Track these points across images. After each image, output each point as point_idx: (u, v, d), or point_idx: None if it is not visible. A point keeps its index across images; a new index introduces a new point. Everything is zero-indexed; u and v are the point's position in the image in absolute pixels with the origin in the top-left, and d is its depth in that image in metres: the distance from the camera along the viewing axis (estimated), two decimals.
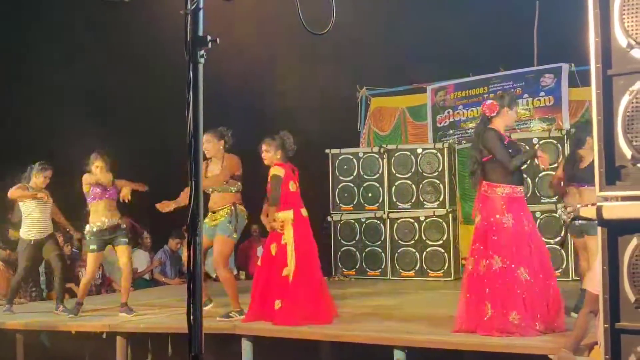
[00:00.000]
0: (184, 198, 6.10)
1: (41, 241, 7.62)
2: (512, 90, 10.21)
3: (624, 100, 2.68)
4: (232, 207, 6.55)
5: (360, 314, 6.82)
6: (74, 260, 9.52)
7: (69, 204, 8.11)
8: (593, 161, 2.79)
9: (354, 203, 10.62)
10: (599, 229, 2.72)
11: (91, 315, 7.41)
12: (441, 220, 10.00)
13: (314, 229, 6.62)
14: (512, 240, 5.31)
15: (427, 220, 10.07)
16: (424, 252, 10.05)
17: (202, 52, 2.37)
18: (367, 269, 10.45)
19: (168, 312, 7.32)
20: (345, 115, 11.95)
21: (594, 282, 3.65)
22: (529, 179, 8.85)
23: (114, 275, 9.63)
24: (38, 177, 7.62)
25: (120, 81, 9.94)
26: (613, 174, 2.70)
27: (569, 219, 6.33)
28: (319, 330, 6.01)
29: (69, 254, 9.32)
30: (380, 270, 10.35)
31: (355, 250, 10.56)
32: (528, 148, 9.12)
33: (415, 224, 10.12)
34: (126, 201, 7.21)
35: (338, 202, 10.73)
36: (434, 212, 10.04)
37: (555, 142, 9.30)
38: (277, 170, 6.28)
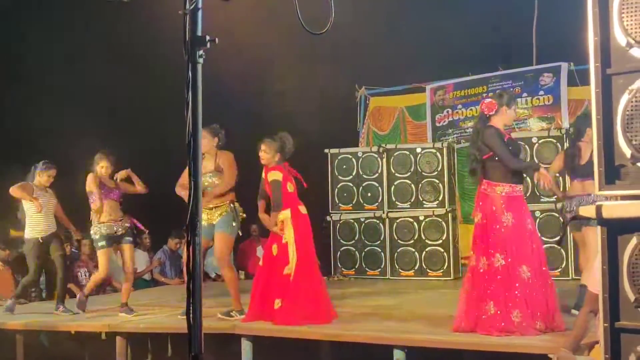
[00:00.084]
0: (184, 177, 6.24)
1: (48, 239, 7.63)
2: (512, 89, 10.22)
3: (624, 99, 2.68)
4: (232, 205, 6.58)
5: (360, 314, 6.82)
6: (73, 260, 9.51)
7: (69, 204, 8.10)
8: (592, 156, 2.79)
9: (353, 203, 10.61)
10: (599, 228, 2.72)
11: (91, 315, 7.41)
12: (440, 220, 9.99)
13: (314, 228, 6.62)
14: (512, 238, 5.31)
15: (426, 220, 10.06)
16: (424, 252, 10.04)
17: (201, 52, 2.37)
18: (367, 269, 10.44)
19: (168, 312, 7.32)
20: (344, 115, 11.92)
21: (594, 280, 3.65)
22: (528, 179, 8.83)
23: (115, 274, 9.62)
24: (42, 175, 7.63)
25: (120, 81, 9.92)
26: (612, 173, 2.70)
27: (570, 218, 6.31)
28: (318, 330, 6.02)
29: (69, 254, 9.30)
30: (379, 270, 10.34)
31: (354, 250, 10.55)
32: (527, 147, 9.20)
33: (415, 224, 10.11)
34: (117, 179, 7.23)
35: (337, 201, 10.72)
36: (433, 211, 10.04)
37: (554, 141, 9.30)
38: (276, 175, 6.32)
